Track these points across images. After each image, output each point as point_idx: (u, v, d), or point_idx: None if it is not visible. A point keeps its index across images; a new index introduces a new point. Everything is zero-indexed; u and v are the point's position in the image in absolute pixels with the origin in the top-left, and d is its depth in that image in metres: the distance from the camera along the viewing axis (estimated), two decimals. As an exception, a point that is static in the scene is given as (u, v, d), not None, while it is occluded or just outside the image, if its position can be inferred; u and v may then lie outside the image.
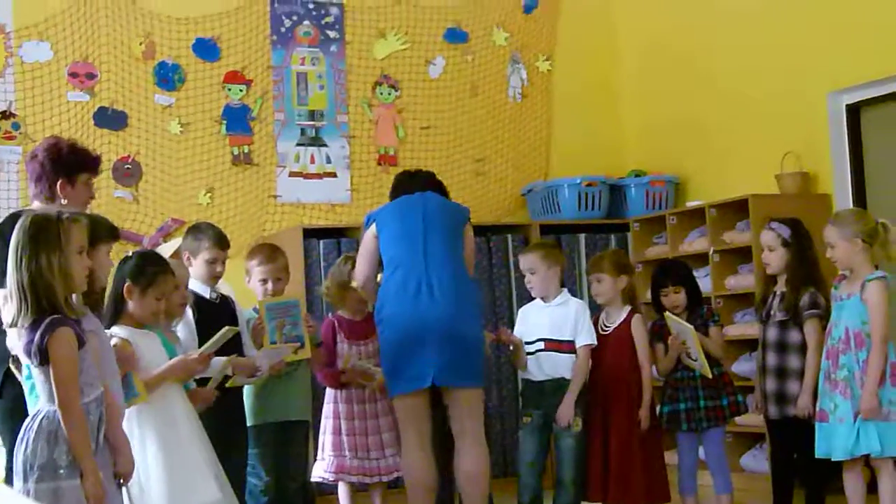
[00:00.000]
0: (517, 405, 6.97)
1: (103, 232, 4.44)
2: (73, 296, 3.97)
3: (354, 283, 5.76)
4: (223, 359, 5.14)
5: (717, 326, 5.95)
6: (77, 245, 3.91)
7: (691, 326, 5.75)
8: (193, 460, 4.68)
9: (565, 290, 5.94)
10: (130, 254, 4.96)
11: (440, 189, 5.79)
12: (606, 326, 5.90)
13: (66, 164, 4.81)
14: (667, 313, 5.83)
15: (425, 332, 5.24)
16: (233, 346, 5.30)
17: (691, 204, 8.19)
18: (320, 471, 5.97)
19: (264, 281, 5.81)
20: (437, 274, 5.33)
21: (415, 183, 5.72)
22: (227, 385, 5.23)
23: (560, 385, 5.75)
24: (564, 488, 5.82)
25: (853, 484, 5.36)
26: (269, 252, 5.90)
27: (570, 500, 5.81)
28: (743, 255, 7.47)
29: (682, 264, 6.36)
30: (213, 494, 4.69)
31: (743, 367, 7.24)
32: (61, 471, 3.81)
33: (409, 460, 5.41)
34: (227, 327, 5.04)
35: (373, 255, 5.52)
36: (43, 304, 3.81)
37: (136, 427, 4.60)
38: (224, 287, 5.77)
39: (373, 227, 5.52)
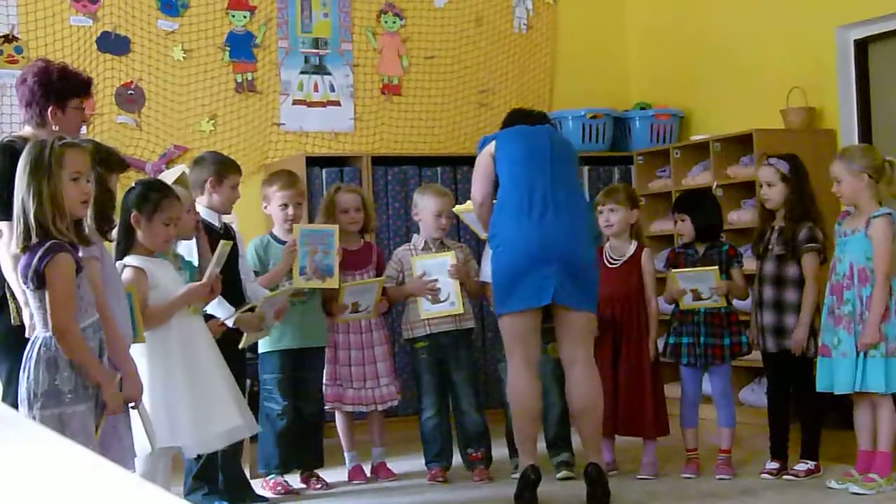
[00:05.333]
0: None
1: (115, 162, 4.47)
2: (84, 222, 3.97)
3: (468, 205, 5.71)
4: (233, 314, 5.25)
5: (739, 268, 5.90)
6: (71, 171, 3.87)
7: (714, 268, 5.75)
8: (216, 388, 4.74)
9: None
10: (134, 184, 4.97)
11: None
12: (614, 260, 5.92)
13: (57, 89, 4.69)
14: (673, 271, 5.82)
15: (549, 251, 5.13)
16: (231, 274, 5.35)
17: (696, 138, 8.17)
18: (316, 399, 6.04)
19: (285, 206, 5.85)
20: (562, 194, 5.23)
21: (532, 118, 5.64)
22: (240, 346, 5.28)
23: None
24: (551, 417, 5.95)
25: (863, 417, 5.39)
26: (289, 177, 5.96)
27: (559, 427, 5.97)
28: (746, 189, 7.45)
29: (696, 193, 6.36)
30: (234, 420, 4.76)
31: (745, 301, 7.24)
32: (66, 397, 3.83)
33: (513, 384, 5.31)
34: (221, 242, 5.07)
35: (488, 176, 5.40)
36: (36, 231, 3.80)
37: (160, 356, 4.65)
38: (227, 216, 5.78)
39: (490, 147, 5.40)
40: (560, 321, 5.29)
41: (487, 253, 6.03)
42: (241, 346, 5.27)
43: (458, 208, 6.09)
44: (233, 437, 4.86)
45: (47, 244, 3.79)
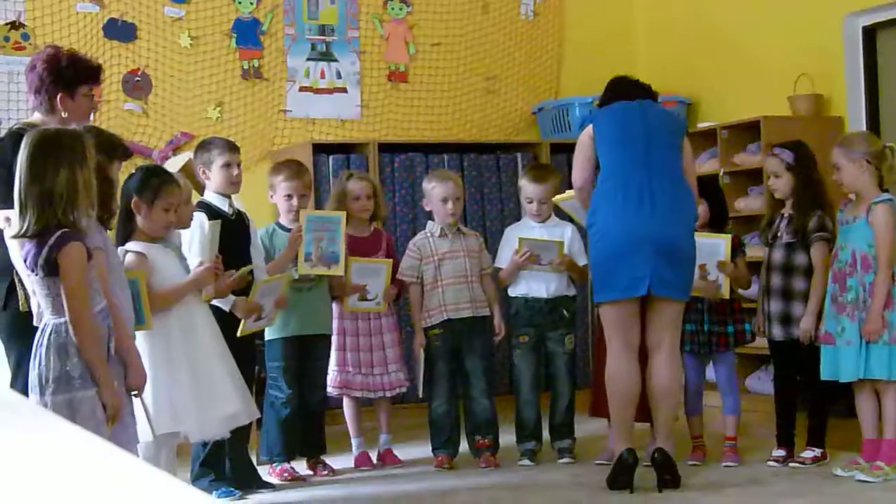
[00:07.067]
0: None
1: (119, 149, 4.46)
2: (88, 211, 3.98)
3: (567, 194, 5.69)
4: (233, 298, 5.23)
5: (741, 257, 5.90)
6: (94, 162, 3.91)
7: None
8: (216, 374, 4.76)
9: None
10: (135, 170, 4.97)
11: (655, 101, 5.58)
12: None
13: (66, 77, 4.66)
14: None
15: (644, 242, 5.09)
16: (242, 261, 5.35)
17: (703, 125, 8.15)
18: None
19: (289, 196, 5.83)
20: (659, 183, 5.16)
21: (634, 90, 5.50)
22: (237, 335, 5.21)
23: (557, 303, 5.87)
24: (560, 405, 5.98)
25: (865, 405, 5.39)
26: (296, 168, 5.93)
27: (565, 415, 5.98)
28: (753, 176, 7.44)
29: (712, 181, 6.38)
30: (234, 406, 4.76)
31: (753, 289, 7.23)
32: (76, 382, 3.84)
33: (611, 367, 5.28)
34: (209, 223, 5.05)
35: (589, 159, 5.32)
36: (53, 217, 3.79)
37: (161, 341, 4.66)
38: (237, 203, 5.77)
39: (589, 129, 5.33)
40: (650, 305, 5.26)
41: (505, 238, 6.05)
42: (238, 334, 5.23)
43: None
44: (233, 423, 4.87)
45: (58, 233, 3.79)
